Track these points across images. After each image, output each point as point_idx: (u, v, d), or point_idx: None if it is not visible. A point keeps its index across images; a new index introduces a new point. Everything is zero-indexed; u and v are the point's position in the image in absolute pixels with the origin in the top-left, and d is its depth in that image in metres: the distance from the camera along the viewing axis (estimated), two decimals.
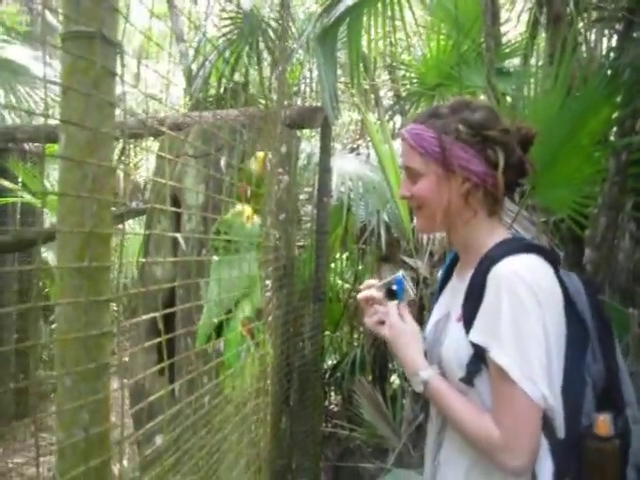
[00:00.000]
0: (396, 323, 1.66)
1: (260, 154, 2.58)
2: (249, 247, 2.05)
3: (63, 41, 0.98)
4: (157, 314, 1.21)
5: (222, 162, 2.63)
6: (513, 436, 1.42)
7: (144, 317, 1.11)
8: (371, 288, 1.74)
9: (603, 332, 1.58)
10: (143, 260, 3.29)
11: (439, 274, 1.92)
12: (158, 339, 1.25)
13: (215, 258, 1.96)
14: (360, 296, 1.75)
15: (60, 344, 0.98)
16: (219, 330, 1.93)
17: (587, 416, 1.51)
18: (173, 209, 3.16)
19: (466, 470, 1.56)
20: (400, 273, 1.75)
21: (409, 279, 1.75)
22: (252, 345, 2.00)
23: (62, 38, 0.98)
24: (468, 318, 1.52)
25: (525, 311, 1.42)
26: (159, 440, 1.23)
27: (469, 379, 1.52)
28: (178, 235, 2.60)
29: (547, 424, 1.46)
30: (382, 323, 1.69)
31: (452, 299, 1.67)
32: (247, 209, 2.15)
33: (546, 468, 1.48)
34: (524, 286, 1.43)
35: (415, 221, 1.74)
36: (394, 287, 1.71)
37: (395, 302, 1.69)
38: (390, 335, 1.66)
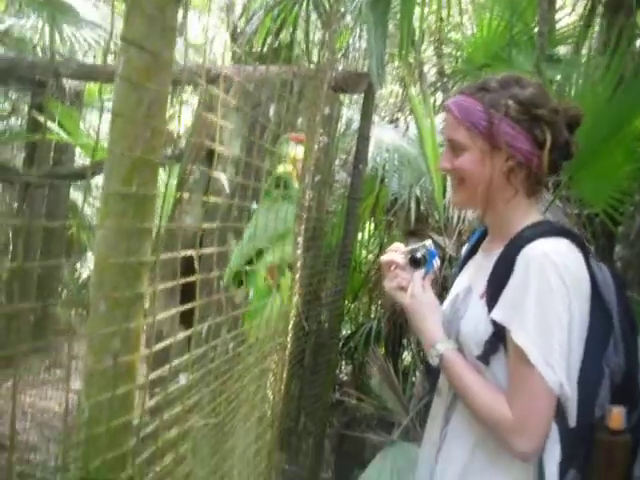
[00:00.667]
0: (418, 293, 1.64)
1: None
2: (291, 201, 2.05)
3: None
4: (191, 251, 1.20)
5: (266, 119, 2.60)
6: (525, 419, 1.42)
7: (180, 253, 1.10)
8: (396, 252, 1.72)
9: (627, 327, 1.56)
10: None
11: (464, 248, 1.90)
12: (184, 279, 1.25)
13: (254, 206, 1.97)
14: (383, 258, 1.74)
15: (98, 268, 0.97)
16: (247, 274, 1.93)
17: (601, 407, 1.49)
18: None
19: (472, 448, 1.56)
20: (428, 242, 1.72)
21: (432, 247, 1.72)
22: (278, 297, 2.01)
23: None
24: (492, 295, 1.52)
25: (552, 294, 1.41)
26: (183, 379, 1.23)
27: (486, 357, 1.52)
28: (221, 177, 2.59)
29: (559, 411, 1.46)
30: (401, 289, 1.68)
31: (476, 274, 1.66)
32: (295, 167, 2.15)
33: (553, 455, 1.47)
34: (554, 269, 1.42)
35: (453, 195, 1.71)
36: (418, 255, 1.69)
37: (420, 271, 1.67)
38: (410, 304, 1.65)
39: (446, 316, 1.66)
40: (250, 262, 2.03)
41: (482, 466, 1.55)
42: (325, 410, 4.09)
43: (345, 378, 5.66)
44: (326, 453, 4.79)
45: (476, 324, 1.54)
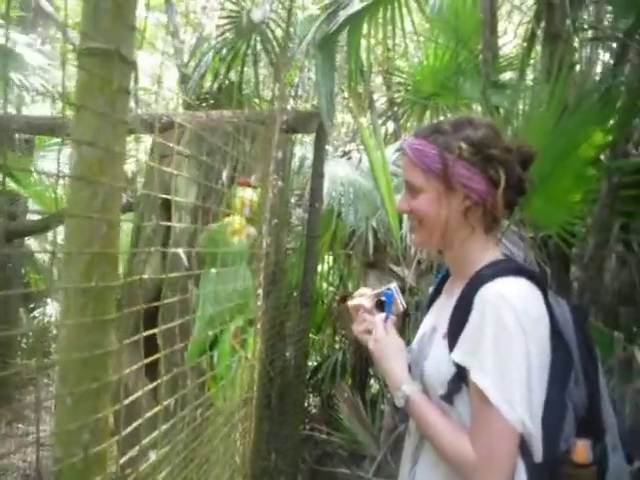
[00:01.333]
0: (381, 337, 1.67)
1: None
2: (236, 261, 2.03)
3: (80, 57, 0.97)
4: (154, 330, 1.20)
5: (220, 167, 2.61)
6: (488, 459, 1.43)
7: (144, 334, 1.11)
8: (363, 297, 1.76)
9: (588, 359, 1.59)
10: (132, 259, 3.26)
11: (430, 290, 1.92)
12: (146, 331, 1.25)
13: (208, 271, 1.95)
14: (351, 304, 1.77)
15: (62, 363, 0.97)
16: (210, 344, 1.92)
17: (566, 441, 1.51)
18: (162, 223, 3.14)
19: None
20: (392, 285, 1.76)
21: (398, 291, 1.76)
22: (242, 356, 2.00)
23: (79, 54, 0.97)
24: (453, 336, 1.53)
25: (508, 335, 1.43)
26: (153, 455, 1.23)
27: (449, 397, 1.54)
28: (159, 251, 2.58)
29: (524, 447, 1.47)
30: (369, 332, 1.71)
31: (439, 314, 1.67)
32: (235, 222, 2.14)
33: None
34: (510, 310, 1.44)
35: (412, 235, 1.73)
36: (383, 298, 1.73)
37: (382, 315, 1.71)
38: (374, 348, 1.67)
39: (413, 357, 1.68)
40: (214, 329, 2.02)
41: None
42: (295, 447, 4.08)
43: (314, 411, 5.64)
44: None
45: (438, 364, 1.56)
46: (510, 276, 1.51)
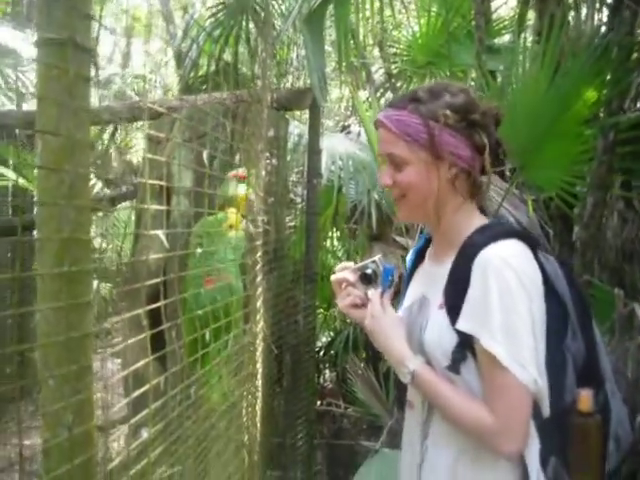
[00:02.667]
0: (377, 313, 1.64)
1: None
2: (231, 255, 2.03)
3: (37, 48, 0.99)
4: (157, 304, 1.23)
5: (213, 149, 2.62)
6: (507, 421, 1.45)
7: (135, 312, 1.14)
8: (345, 270, 1.73)
9: (581, 310, 1.61)
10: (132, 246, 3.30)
11: (408, 257, 1.91)
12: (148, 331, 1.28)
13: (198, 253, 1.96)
14: (333, 278, 1.74)
15: (42, 347, 1.00)
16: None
17: (570, 393, 1.55)
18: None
19: (456, 456, 1.58)
20: (377, 257, 1.72)
21: (382, 262, 1.72)
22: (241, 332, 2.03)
23: (36, 45, 0.99)
24: (452, 305, 1.53)
25: (513, 298, 1.44)
26: (144, 433, 1.26)
27: (455, 367, 1.54)
28: (160, 234, 2.61)
29: (534, 405, 1.49)
30: (355, 306, 1.69)
31: (429, 284, 1.67)
32: (232, 215, 2.14)
33: (533, 448, 1.52)
34: (511, 272, 1.45)
35: (397, 210, 1.69)
36: (368, 271, 1.69)
37: (377, 290, 1.67)
38: (371, 325, 1.64)
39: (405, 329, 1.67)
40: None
41: (468, 472, 1.57)
42: (311, 422, 4.12)
43: (330, 386, 5.68)
44: (318, 464, 4.82)
45: (440, 335, 1.56)
46: (503, 239, 1.52)
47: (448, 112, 1.54)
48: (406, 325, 1.66)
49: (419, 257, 1.81)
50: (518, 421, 1.46)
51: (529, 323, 1.45)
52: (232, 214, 2.17)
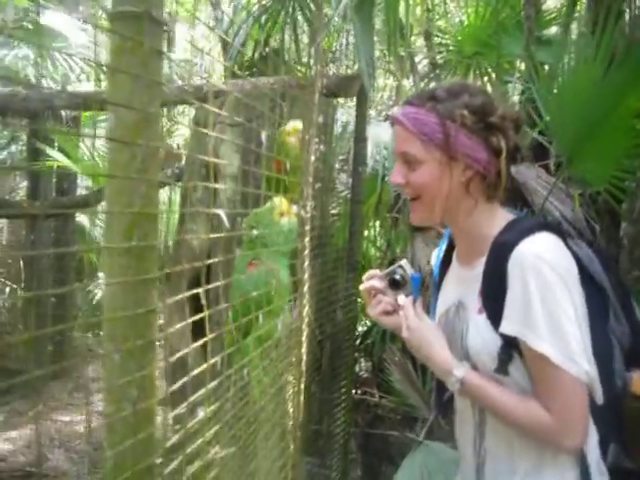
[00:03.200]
0: (415, 325, 1.61)
1: (292, 126, 2.58)
2: (280, 246, 2.02)
3: (111, 21, 0.99)
4: (199, 290, 1.23)
5: (261, 133, 2.63)
6: (566, 418, 1.44)
7: (187, 293, 1.14)
8: (373, 278, 1.73)
9: (621, 293, 1.59)
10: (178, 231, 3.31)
11: (433, 262, 1.88)
12: (196, 315, 1.28)
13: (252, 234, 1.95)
14: (362, 287, 1.74)
15: (108, 321, 1.00)
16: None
17: (620, 377, 1.53)
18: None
19: (517, 454, 1.56)
20: (403, 262, 1.72)
21: (409, 267, 1.71)
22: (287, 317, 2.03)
23: (110, 18, 0.99)
24: (492, 308, 1.52)
25: (553, 292, 1.42)
26: (201, 412, 1.26)
27: (503, 368, 1.52)
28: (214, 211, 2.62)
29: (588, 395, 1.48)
30: (386, 313, 1.69)
31: (463, 288, 1.64)
32: (283, 203, 2.13)
33: (592, 438, 1.51)
34: (547, 267, 1.43)
35: (411, 212, 1.66)
36: (397, 277, 1.69)
37: (409, 300, 1.66)
38: (410, 338, 1.62)
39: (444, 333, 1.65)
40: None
41: (531, 469, 1.55)
42: (348, 410, 4.12)
43: (365, 375, 5.68)
44: (353, 453, 4.83)
45: (483, 340, 1.54)
46: (533, 234, 1.50)
47: (466, 112, 1.51)
48: (444, 332, 1.64)
49: (445, 260, 1.79)
50: (577, 416, 1.45)
51: (573, 315, 1.43)
52: (283, 201, 2.17)
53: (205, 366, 1.23)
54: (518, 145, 1.58)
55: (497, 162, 1.53)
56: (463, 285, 1.65)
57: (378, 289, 1.70)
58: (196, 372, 1.22)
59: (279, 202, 2.13)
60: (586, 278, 1.53)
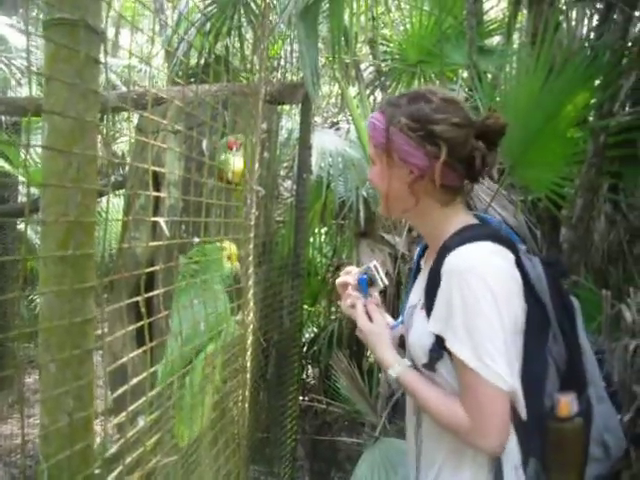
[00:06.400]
0: (363, 325, 1.75)
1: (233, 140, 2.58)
2: (220, 288, 2.03)
3: (46, 28, 0.98)
4: (139, 298, 1.22)
5: (203, 141, 2.62)
6: (480, 420, 1.48)
7: (128, 301, 1.13)
8: (349, 274, 1.85)
9: (563, 313, 1.62)
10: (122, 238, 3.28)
11: (414, 259, 1.95)
12: (139, 322, 1.27)
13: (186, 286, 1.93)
14: (338, 281, 1.88)
15: (44, 331, 0.99)
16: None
17: (550, 397, 1.56)
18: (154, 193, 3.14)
19: (447, 447, 1.61)
20: (372, 263, 1.84)
21: (380, 267, 1.83)
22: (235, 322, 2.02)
23: (45, 25, 0.98)
24: (428, 307, 1.58)
25: (476, 300, 1.46)
26: (141, 421, 1.25)
27: (431, 365, 1.59)
28: (158, 220, 2.59)
29: (511, 407, 1.51)
30: (354, 307, 1.79)
31: (420, 287, 1.71)
32: (232, 248, 2.14)
33: (511, 448, 1.54)
34: (474, 275, 1.47)
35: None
36: (364, 277, 1.81)
37: (362, 301, 1.79)
38: (361, 337, 1.76)
39: (405, 328, 1.74)
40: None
41: (450, 464, 1.61)
42: (295, 418, 4.12)
43: (313, 382, 5.69)
44: (300, 459, 4.84)
45: (420, 335, 1.61)
46: (474, 241, 1.53)
47: (403, 120, 1.57)
48: (406, 327, 1.73)
49: (422, 257, 1.85)
50: (490, 418, 1.47)
51: (496, 324, 1.46)
52: (233, 247, 2.17)
53: (145, 375, 1.22)
54: (474, 153, 1.59)
55: (436, 167, 1.56)
56: (421, 283, 1.71)
57: (350, 284, 1.83)
58: (136, 380, 1.21)
59: (228, 246, 2.14)
60: (530, 294, 1.57)
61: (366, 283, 1.80)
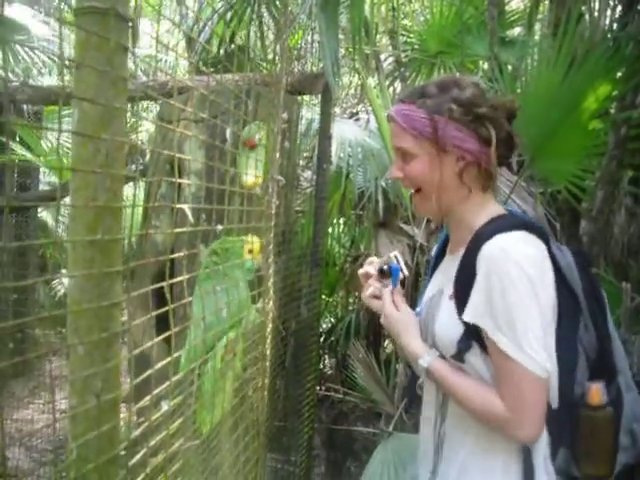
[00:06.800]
0: (390, 312, 1.72)
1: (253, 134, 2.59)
2: (242, 278, 2.04)
3: (77, 16, 1.00)
4: (163, 284, 1.24)
5: (226, 129, 2.63)
6: (517, 408, 1.47)
7: (151, 287, 1.15)
8: (370, 265, 1.83)
9: (594, 303, 1.63)
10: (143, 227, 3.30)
11: (433, 251, 1.96)
12: (160, 309, 1.29)
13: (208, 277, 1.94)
14: (360, 271, 1.86)
15: (73, 314, 1.01)
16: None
17: (580, 385, 1.57)
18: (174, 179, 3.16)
19: (473, 440, 1.61)
20: (393, 254, 1.82)
21: (401, 258, 1.82)
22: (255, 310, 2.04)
23: (76, 13, 0.99)
24: (460, 297, 1.57)
25: (515, 288, 1.46)
26: (165, 406, 1.27)
27: (460, 356, 1.58)
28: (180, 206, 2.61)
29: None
30: (375, 297, 1.78)
31: (445, 276, 1.70)
32: (255, 242, 2.14)
33: (541, 437, 1.54)
34: (513, 264, 1.47)
35: (414, 205, 1.77)
36: (385, 267, 1.79)
37: (389, 289, 1.77)
38: (386, 324, 1.73)
39: (422, 319, 1.72)
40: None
41: (480, 457, 1.60)
42: (312, 407, 4.14)
43: (330, 372, 5.71)
44: (317, 448, 4.86)
45: (448, 325, 1.60)
46: (509, 231, 1.53)
47: (453, 106, 1.57)
48: (424, 318, 1.71)
49: (441, 253, 1.85)
50: (528, 407, 1.47)
51: (535, 311, 1.47)
52: (256, 241, 2.18)
53: (168, 360, 1.24)
54: (511, 133, 1.63)
55: (489, 151, 1.58)
56: (447, 273, 1.70)
57: (372, 275, 1.81)
58: (159, 366, 1.23)
59: (251, 239, 2.15)
60: (561, 284, 1.57)
61: (398, 272, 1.78)
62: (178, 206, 2.39)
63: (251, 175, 2.40)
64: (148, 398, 1.14)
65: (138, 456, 1.13)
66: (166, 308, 1.29)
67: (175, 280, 1.41)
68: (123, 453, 1.09)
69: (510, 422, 1.48)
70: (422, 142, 1.60)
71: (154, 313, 1.30)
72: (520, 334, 1.45)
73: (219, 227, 1.69)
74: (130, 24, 1.00)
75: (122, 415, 1.12)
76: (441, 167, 1.60)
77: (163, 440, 1.25)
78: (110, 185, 0.99)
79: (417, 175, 1.63)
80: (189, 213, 2.43)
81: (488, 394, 1.52)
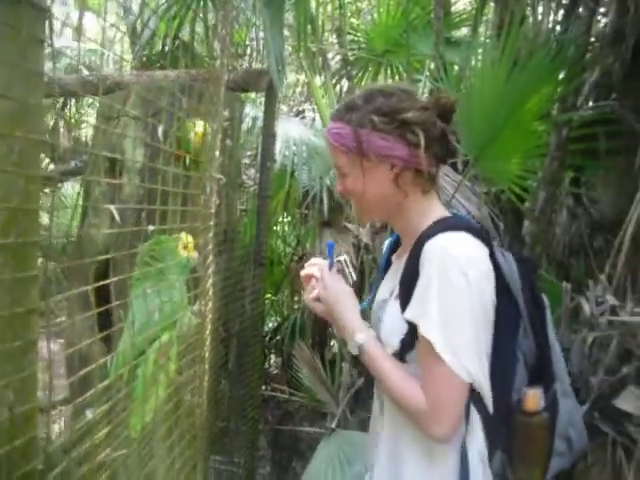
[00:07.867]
0: (329, 284, 1.70)
1: (198, 128, 2.54)
2: (177, 275, 2.00)
3: None
4: (95, 285, 1.19)
5: (160, 127, 2.57)
6: (436, 407, 1.47)
7: (83, 288, 1.10)
8: (314, 266, 1.79)
9: (534, 309, 1.64)
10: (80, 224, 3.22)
11: (383, 253, 1.95)
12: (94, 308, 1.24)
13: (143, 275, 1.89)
14: (302, 272, 1.82)
15: None
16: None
17: (518, 391, 1.59)
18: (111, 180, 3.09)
19: (410, 436, 1.61)
20: (342, 258, 1.80)
21: (347, 264, 1.80)
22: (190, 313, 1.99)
23: None
24: (404, 296, 1.57)
25: (452, 287, 1.46)
26: (89, 414, 1.22)
27: (401, 355, 1.58)
28: (113, 207, 2.54)
29: (478, 398, 1.52)
30: (318, 300, 1.74)
31: (393, 280, 1.70)
32: (189, 239, 2.10)
33: (477, 440, 1.56)
34: (452, 262, 1.47)
35: (357, 214, 1.78)
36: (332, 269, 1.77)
37: (326, 263, 1.76)
38: (325, 295, 1.69)
39: (373, 322, 1.72)
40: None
41: (410, 451, 1.61)
42: (256, 407, 4.10)
43: (275, 372, 5.67)
44: (262, 449, 4.82)
45: (392, 324, 1.60)
46: (451, 231, 1.54)
47: (375, 117, 1.57)
48: (375, 320, 1.71)
49: (392, 251, 1.85)
50: (447, 408, 1.48)
51: (469, 314, 1.47)
52: (189, 238, 2.13)
53: (93, 366, 1.19)
54: (445, 131, 1.62)
55: (419, 154, 1.57)
56: (394, 277, 1.70)
57: (316, 276, 1.77)
58: (83, 372, 1.17)
59: (185, 237, 2.10)
60: (502, 289, 1.58)
61: (333, 249, 1.78)
62: (106, 207, 2.32)
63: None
64: (68, 407, 1.08)
65: (57, 470, 1.07)
66: (98, 310, 1.24)
67: (107, 281, 1.36)
68: (40, 467, 1.03)
69: (427, 417, 1.48)
70: (353, 157, 1.61)
71: (88, 314, 1.25)
72: (450, 332, 1.45)
73: (151, 228, 1.64)
74: (46, 14, 0.95)
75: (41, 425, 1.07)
76: (375, 178, 1.60)
77: (87, 451, 1.20)
78: (24, 186, 0.93)
79: (353, 190, 1.65)
80: (116, 215, 2.36)
81: (414, 386, 1.51)
